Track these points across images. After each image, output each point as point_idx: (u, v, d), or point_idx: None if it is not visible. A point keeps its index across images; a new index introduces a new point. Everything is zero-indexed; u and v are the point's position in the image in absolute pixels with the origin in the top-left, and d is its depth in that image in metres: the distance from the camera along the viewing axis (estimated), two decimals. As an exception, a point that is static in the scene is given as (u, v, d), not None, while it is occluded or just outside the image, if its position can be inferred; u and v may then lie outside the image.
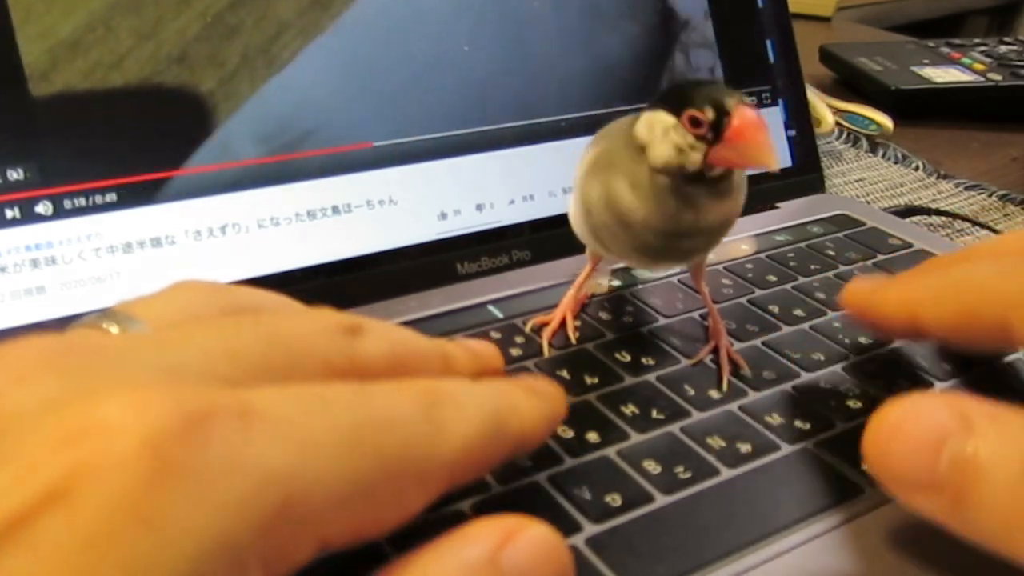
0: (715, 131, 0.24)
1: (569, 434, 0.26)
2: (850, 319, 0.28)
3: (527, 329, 0.31)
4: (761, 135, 0.23)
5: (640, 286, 0.35)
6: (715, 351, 0.30)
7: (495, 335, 0.31)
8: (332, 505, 0.15)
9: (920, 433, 0.19)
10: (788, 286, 0.36)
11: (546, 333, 0.31)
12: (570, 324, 0.31)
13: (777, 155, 0.24)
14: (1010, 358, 0.31)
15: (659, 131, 0.24)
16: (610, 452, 0.26)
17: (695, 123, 0.24)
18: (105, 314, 0.19)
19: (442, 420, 0.17)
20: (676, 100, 0.24)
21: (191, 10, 0.32)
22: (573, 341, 0.31)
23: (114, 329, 0.18)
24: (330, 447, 0.15)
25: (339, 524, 0.15)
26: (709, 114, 0.23)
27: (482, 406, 0.18)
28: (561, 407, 0.21)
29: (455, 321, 0.32)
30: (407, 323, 0.32)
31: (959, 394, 0.20)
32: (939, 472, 0.18)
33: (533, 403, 0.20)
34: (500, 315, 0.33)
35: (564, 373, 0.29)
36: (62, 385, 0.15)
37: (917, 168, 0.54)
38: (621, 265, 0.36)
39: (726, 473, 0.25)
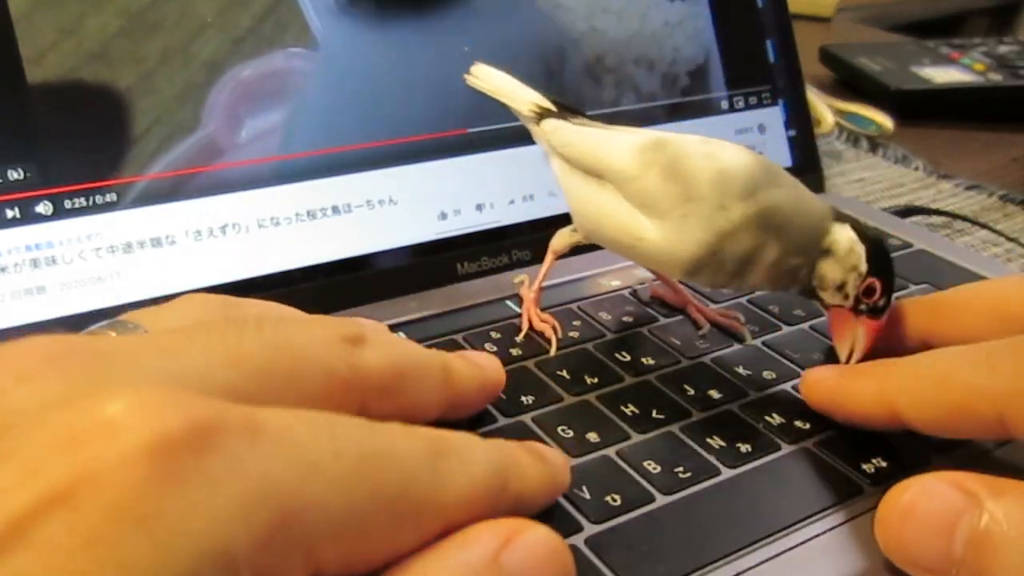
0: (867, 309, 0.27)
1: (569, 434, 0.26)
2: (815, 410, 0.27)
3: (520, 337, 0.31)
4: (869, 344, 0.27)
5: (640, 286, 0.35)
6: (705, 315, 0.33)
7: (495, 335, 0.31)
8: (328, 530, 0.15)
9: (932, 516, 0.19)
10: (788, 286, 0.36)
11: (548, 332, 0.31)
12: (536, 320, 0.31)
13: (857, 356, 0.27)
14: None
15: (849, 264, 0.26)
16: (610, 452, 0.26)
17: (868, 292, 0.26)
18: (112, 323, 0.19)
19: (445, 469, 0.17)
20: (878, 259, 0.26)
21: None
22: (553, 351, 0.30)
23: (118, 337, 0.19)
24: (332, 473, 0.15)
25: (332, 550, 0.15)
26: (882, 302, 0.26)
27: (486, 462, 0.18)
28: (565, 476, 0.22)
29: (476, 316, 0.32)
30: (425, 319, 0.32)
31: (962, 471, 0.20)
32: (955, 553, 0.19)
33: (537, 468, 0.20)
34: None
35: (564, 373, 0.29)
36: (66, 385, 0.15)
37: (917, 168, 0.54)
38: (619, 267, 0.36)
39: (726, 473, 0.25)
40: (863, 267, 0.26)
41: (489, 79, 0.33)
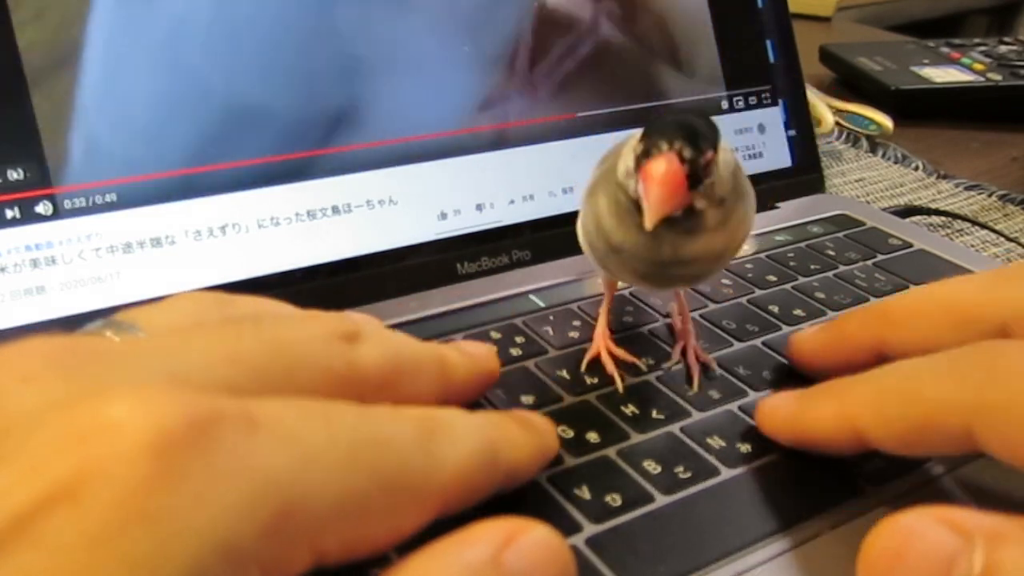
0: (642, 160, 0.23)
1: (569, 434, 0.26)
2: (776, 442, 0.25)
3: (582, 368, 0.29)
4: (656, 191, 0.23)
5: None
6: (684, 352, 0.30)
7: (495, 335, 0.31)
8: (329, 517, 0.15)
9: (924, 560, 0.18)
10: (788, 286, 0.36)
11: (609, 366, 0.29)
12: (608, 363, 0.29)
13: (656, 216, 0.23)
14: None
15: (626, 151, 0.24)
16: (610, 452, 0.26)
17: (636, 155, 0.23)
18: (108, 323, 0.19)
19: (437, 448, 0.18)
20: (648, 128, 0.24)
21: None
22: (620, 388, 0.28)
23: (116, 339, 0.19)
24: (329, 461, 0.16)
25: (335, 537, 0.16)
26: (638, 148, 0.23)
27: (476, 437, 0.19)
28: (553, 442, 0.22)
29: (476, 316, 0.32)
30: (425, 319, 0.32)
31: (947, 507, 0.18)
32: None
33: (526, 437, 0.21)
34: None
35: (564, 373, 0.29)
36: (67, 386, 0.15)
37: (917, 168, 0.54)
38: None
39: (726, 473, 0.25)
40: (639, 146, 0.23)
41: None
